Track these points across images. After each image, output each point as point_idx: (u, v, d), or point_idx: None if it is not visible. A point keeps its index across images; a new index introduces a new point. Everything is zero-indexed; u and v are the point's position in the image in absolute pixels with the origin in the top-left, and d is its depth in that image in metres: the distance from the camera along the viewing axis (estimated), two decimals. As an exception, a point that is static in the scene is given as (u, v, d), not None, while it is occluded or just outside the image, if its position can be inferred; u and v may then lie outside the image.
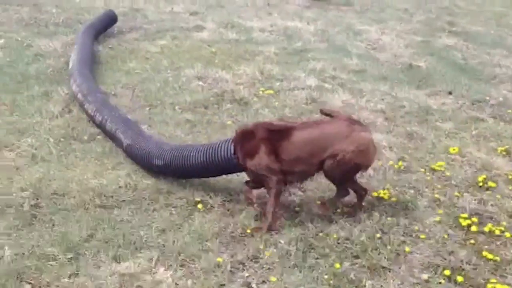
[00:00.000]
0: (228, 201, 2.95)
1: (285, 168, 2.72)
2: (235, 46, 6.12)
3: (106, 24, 6.06)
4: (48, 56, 5.18)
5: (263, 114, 4.23)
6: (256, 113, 4.24)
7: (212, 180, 3.10)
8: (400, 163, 3.49)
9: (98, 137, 3.65)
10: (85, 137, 3.62)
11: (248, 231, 2.67)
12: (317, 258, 2.50)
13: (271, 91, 4.70)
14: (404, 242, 2.67)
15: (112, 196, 2.94)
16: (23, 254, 2.41)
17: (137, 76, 4.89)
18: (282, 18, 7.76)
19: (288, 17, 7.92)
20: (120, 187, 3.03)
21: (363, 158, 2.72)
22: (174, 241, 2.57)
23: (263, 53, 5.91)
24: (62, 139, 3.56)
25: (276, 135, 2.75)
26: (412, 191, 3.18)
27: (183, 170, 2.98)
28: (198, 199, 2.95)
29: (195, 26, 6.82)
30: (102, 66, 5.09)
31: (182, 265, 2.43)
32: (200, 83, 4.83)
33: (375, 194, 3.05)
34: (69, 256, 2.41)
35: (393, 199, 3.04)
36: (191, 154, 2.93)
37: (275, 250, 2.53)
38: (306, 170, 2.77)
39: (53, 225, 2.65)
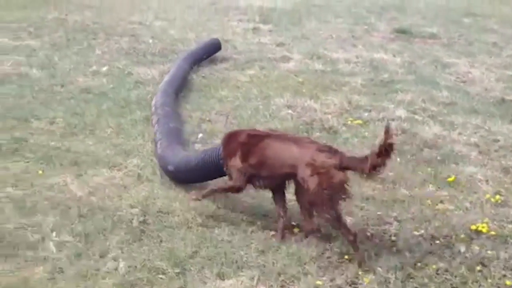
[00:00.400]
0: (323, 226, 3.02)
1: (252, 172, 2.94)
2: (322, 77, 6.24)
3: (209, 51, 6.51)
4: (147, 83, 5.50)
5: (352, 143, 4.29)
6: (345, 142, 4.30)
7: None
8: (497, 197, 3.43)
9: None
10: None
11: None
12: (416, 288, 2.51)
13: (360, 121, 4.75)
14: (505, 276, 2.63)
15: (212, 216, 3.09)
16: (136, 267, 2.58)
17: (229, 103, 5.10)
18: (367, 50, 7.81)
19: (373, 49, 7.96)
20: (219, 207, 3.17)
21: (324, 183, 2.70)
22: (273, 262, 2.67)
23: (350, 84, 5.98)
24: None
25: (253, 140, 2.98)
26: (511, 225, 3.11)
27: (188, 173, 3.31)
28: (294, 223, 3.04)
29: (281, 57, 7.00)
30: (197, 94, 5.34)
31: (282, 286, 2.52)
32: (290, 111, 4.96)
33: (473, 227, 3.02)
34: (177, 271, 2.56)
35: (492, 232, 2.99)
36: (194, 158, 3.30)
37: (373, 277, 2.56)
38: (269, 177, 2.93)
39: (161, 241, 2.82)
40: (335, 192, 2.70)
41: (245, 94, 5.41)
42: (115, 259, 2.63)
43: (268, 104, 5.14)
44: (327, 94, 5.53)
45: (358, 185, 3.27)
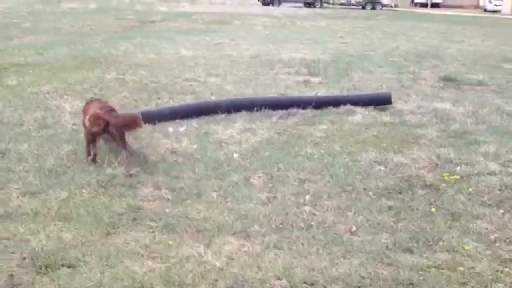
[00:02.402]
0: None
1: None
2: (393, 129, 6.24)
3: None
4: (229, 142, 5.53)
5: (460, 200, 4.23)
6: (452, 200, 4.24)
7: None
8: None
9: (312, 223, 3.79)
10: (302, 225, 3.77)
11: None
12: None
13: (457, 176, 4.71)
14: None
15: (359, 287, 3.02)
16: None
17: (318, 161, 5.08)
18: (424, 99, 7.85)
19: (429, 98, 8.01)
20: (363, 277, 3.10)
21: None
22: None
23: (425, 136, 5.97)
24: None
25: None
26: None
27: None
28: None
29: (346, 110, 7.03)
30: (280, 152, 5.33)
31: None
32: (381, 167, 4.93)
33: None
34: None
35: None
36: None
37: None
38: None
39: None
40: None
41: (328, 150, 5.40)
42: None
43: (355, 160, 5.12)
44: (409, 148, 5.52)
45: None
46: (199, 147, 5.37)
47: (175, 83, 8.38)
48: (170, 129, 5.86)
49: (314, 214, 3.94)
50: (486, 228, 3.76)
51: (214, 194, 4.24)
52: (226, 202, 4.12)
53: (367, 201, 4.20)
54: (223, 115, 6.54)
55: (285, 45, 14.20)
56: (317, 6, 42.30)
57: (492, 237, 3.64)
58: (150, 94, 7.43)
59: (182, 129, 5.94)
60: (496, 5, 45.37)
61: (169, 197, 4.12)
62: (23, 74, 8.56)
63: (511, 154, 5.31)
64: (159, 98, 7.27)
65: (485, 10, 46.00)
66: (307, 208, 4.05)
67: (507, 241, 3.60)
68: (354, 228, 3.73)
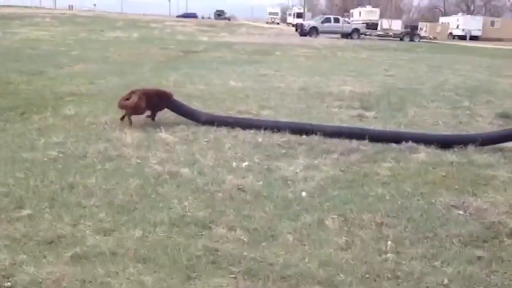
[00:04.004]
0: None
1: None
2: (462, 169, 6.00)
3: None
4: (295, 180, 5.37)
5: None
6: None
7: None
8: None
9: (399, 273, 3.58)
10: (389, 275, 3.57)
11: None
12: None
13: (542, 224, 4.43)
14: None
15: None
16: None
17: (391, 203, 4.87)
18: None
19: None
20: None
21: None
22: None
23: (497, 178, 5.72)
24: (367, 275, 3.55)
25: None
26: None
27: None
28: None
29: (408, 147, 6.81)
30: (349, 191, 5.14)
31: None
32: (460, 212, 4.70)
33: None
34: None
35: None
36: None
37: None
38: None
39: None
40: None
41: (398, 191, 5.18)
42: None
43: (431, 203, 4.89)
44: (483, 190, 5.27)
45: None
46: (265, 184, 5.23)
47: (229, 115, 8.32)
48: (234, 164, 5.75)
49: (399, 263, 3.73)
50: None
51: (289, 237, 4.07)
52: (304, 245, 3.95)
53: (453, 249, 3.96)
54: (283, 150, 6.43)
55: (331, 77, 14.12)
56: (355, 37, 42.38)
57: None
58: (208, 127, 7.35)
59: (244, 164, 5.82)
60: (539, 38, 44.67)
61: (245, 239, 3.97)
62: (79, 104, 8.63)
63: None
64: (215, 131, 7.18)
65: (527, 43, 45.28)
66: (390, 255, 3.84)
67: None
68: (446, 281, 3.50)
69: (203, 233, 4.03)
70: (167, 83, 11.40)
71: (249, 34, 41.38)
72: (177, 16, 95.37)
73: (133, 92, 7.23)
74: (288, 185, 5.26)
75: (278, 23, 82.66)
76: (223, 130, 7.23)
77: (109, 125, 7.16)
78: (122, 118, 7.28)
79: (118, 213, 4.27)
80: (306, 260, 3.71)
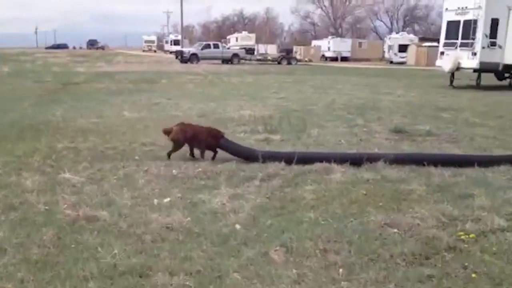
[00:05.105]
0: None
1: None
2: (379, 186, 6.10)
3: None
4: (224, 211, 5.10)
5: (492, 262, 4.05)
6: (483, 262, 4.06)
7: None
8: None
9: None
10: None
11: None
12: None
13: (473, 235, 4.54)
14: None
15: None
16: None
17: (327, 228, 4.77)
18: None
19: (392, 151, 8.00)
20: None
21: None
22: None
23: (414, 192, 5.88)
24: None
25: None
26: None
27: None
28: None
29: (324, 168, 6.82)
30: (282, 219, 4.98)
31: None
32: (395, 230, 4.70)
33: None
34: None
35: None
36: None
37: None
38: None
39: None
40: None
41: (329, 214, 5.10)
42: None
43: (364, 223, 4.86)
44: (407, 206, 5.37)
45: None
46: (194, 220, 4.90)
47: (133, 148, 7.87)
48: (155, 201, 5.35)
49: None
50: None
51: (237, 276, 3.79)
52: (255, 283, 3.69)
53: (401, 270, 3.92)
54: (202, 182, 6.14)
55: (226, 102, 14.07)
56: (235, 62, 43.05)
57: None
58: (115, 162, 6.84)
59: (165, 200, 5.44)
60: (402, 57, 48.50)
61: (191, 284, 3.62)
62: (-40, 147, 7.66)
63: (509, 206, 5.29)
64: (123, 167, 6.69)
65: (391, 62, 48.99)
66: (344, 284, 3.71)
67: None
68: (407, 304, 3.42)
69: (143, 283, 3.62)
70: (55, 118, 10.61)
71: (127, 63, 40.42)
72: (47, 48, 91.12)
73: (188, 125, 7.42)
74: (218, 219, 4.97)
75: (155, 51, 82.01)
76: (132, 165, 6.77)
77: (3, 170, 6.38)
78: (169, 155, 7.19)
79: (39, 271, 3.71)
80: (263, 299, 3.46)
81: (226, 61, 43.35)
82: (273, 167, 6.74)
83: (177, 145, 7.08)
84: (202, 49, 44.13)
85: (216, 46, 45.73)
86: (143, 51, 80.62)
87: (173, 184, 6.02)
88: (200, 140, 7.11)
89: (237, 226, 4.77)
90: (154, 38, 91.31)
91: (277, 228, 4.73)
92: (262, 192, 5.81)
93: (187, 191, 5.79)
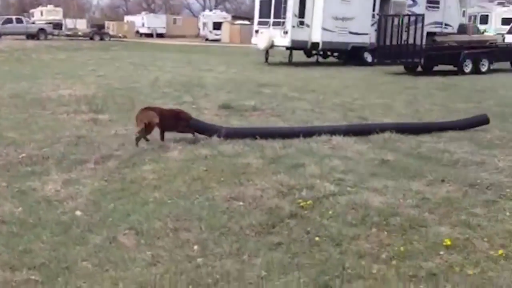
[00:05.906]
0: None
1: None
2: (218, 162, 6.20)
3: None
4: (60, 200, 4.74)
5: (330, 225, 4.38)
6: (323, 225, 4.38)
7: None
8: None
9: (217, 276, 3.48)
10: (209, 281, 3.43)
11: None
12: None
13: (310, 202, 4.84)
14: None
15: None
16: None
17: (174, 207, 4.71)
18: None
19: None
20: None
21: None
22: None
23: (251, 165, 6.08)
24: None
25: None
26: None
27: None
28: None
29: (160, 147, 6.72)
30: (125, 201, 4.79)
31: None
32: (240, 203, 4.82)
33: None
34: None
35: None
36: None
37: None
38: None
39: None
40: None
41: (174, 193, 5.05)
42: None
43: (210, 199, 4.90)
44: (246, 179, 5.51)
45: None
46: (27, 210, 4.47)
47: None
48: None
49: (213, 265, 3.62)
50: (372, 248, 3.97)
51: (86, 264, 3.56)
52: (107, 271, 3.49)
53: (252, 240, 4.04)
54: (28, 168, 5.62)
55: (40, 81, 13.04)
56: (42, 38, 39.87)
57: (383, 256, 3.85)
58: None
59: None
60: (216, 35, 49.55)
61: (37, 278, 3.31)
62: None
63: (336, 172, 5.75)
64: None
65: (207, 39, 49.80)
66: (200, 260, 3.70)
67: (398, 258, 3.83)
68: (264, 273, 3.54)
69: None
70: None
71: None
72: None
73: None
74: (54, 206, 4.60)
75: None
76: None
77: None
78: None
79: None
80: (120, 285, 3.29)
81: (31, 36, 39.93)
82: (106, 148, 6.44)
83: (151, 129, 6.85)
84: (3, 24, 40.00)
85: (19, 21, 41.81)
86: None
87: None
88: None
89: (78, 213, 4.47)
90: None
91: (122, 211, 4.53)
92: (99, 175, 5.52)
93: (13, 179, 5.25)
